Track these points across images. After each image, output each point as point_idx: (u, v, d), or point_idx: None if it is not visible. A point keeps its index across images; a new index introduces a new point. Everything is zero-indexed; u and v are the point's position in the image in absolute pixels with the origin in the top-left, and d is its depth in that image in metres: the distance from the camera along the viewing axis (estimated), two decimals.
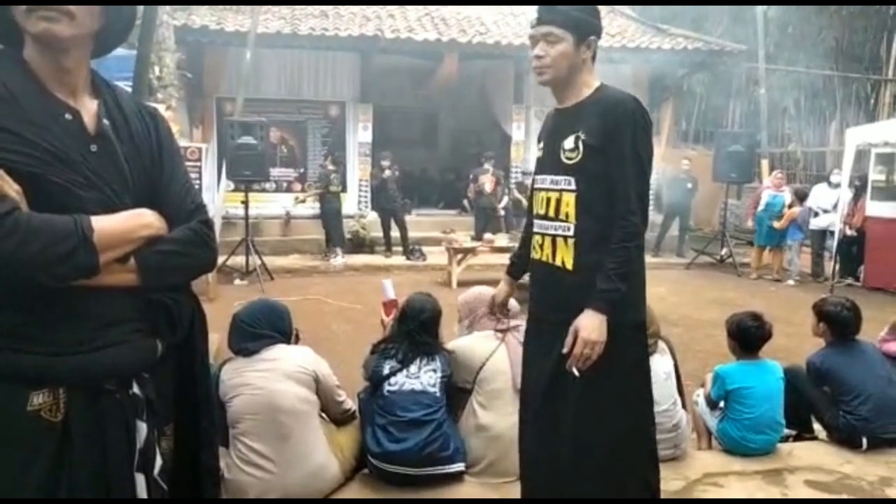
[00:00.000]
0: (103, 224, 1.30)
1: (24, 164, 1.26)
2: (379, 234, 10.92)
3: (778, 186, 10.04)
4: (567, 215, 2.20)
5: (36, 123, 1.30)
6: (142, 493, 1.38)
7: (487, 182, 11.44)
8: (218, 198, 9.99)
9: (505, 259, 9.19)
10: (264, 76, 11.58)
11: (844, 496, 3.06)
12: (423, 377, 3.02)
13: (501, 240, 9.64)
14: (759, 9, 11.86)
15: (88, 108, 1.40)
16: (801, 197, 9.87)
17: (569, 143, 2.20)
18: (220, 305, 6.37)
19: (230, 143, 9.30)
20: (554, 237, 2.24)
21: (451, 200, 13.89)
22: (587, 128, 2.15)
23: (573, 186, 2.18)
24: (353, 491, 2.93)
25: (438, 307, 3.25)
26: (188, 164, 8.32)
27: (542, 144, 2.41)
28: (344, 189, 10.77)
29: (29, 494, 1.26)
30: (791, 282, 9.40)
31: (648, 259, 10.71)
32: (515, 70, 12.59)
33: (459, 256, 9.04)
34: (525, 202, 11.87)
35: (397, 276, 9.57)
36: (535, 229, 2.36)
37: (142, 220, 1.38)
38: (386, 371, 3.02)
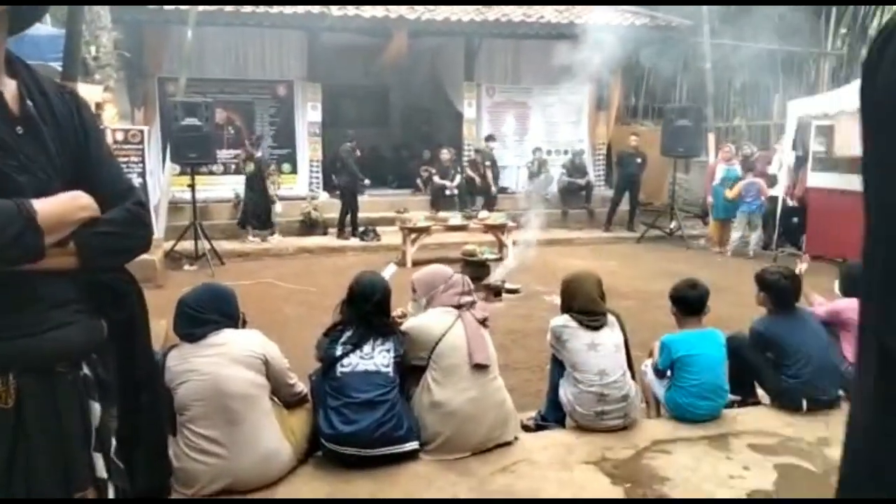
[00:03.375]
0: (44, 207, 1.28)
1: None
2: (331, 215, 10.79)
3: (727, 160, 10.24)
4: None
5: None
6: (101, 472, 1.39)
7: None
8: (163, 181, 9.72)
9: (459, 238, 9.25)
10: (208, 55, 11.25)
11: (786, 457, 3.17)
12: (376, 357, 3.01)
13: (455, 218, 9.64)
14: None
15: (9, 88, 1.35)
16: (749, 169, 10.10)
17: None
18: (169, 292, 6.21)
19: (174, 125, 9.03)
20: None
21: (404, 179, 13.81)
22: None
23: None
24: (306, 474, 2.91)
25: (388, 286, 3.23)
26: (130, 146, 8.07)
27: None
28: (294, 170, 10.60)
29: None
30: (751, 252, 9.59)
31: (601, 234, 10.85)
32: (466, 47, 12.53)
33: (414, 236, 9.02)
34: (478, 180, 12.05)
35: (352, 257, 9.51)
36: None
37: (79, 203, 1.36)
38: (338, 352, 3.00)
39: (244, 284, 7.15)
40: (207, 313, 2.75)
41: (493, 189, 12.06)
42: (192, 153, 8.96)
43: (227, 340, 2.72)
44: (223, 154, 11.48)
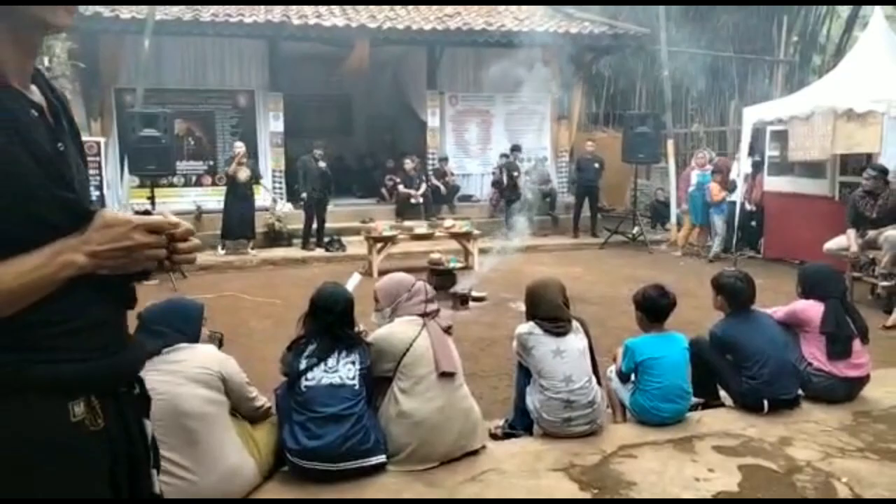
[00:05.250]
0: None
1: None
2: (295, 226, 10.67)
3: (702, 166, 10.42)
4: None
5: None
6: (157, 488, 1.39)
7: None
8: (122, 194, 9.54)
9: (425, 246, 9.23)
10: (166, 65, 11.08)
11: (749, 458, 3.22)
12: (341, 370, 2.98)
13: (420, 227, 9.63)
14: None
15: (37, 97, 1.23)
16: (718, 171, 10.27)
17: None
18: None
19: (132, 137, 8.87)
20: None
21: (369, 189, 13.75)
22: None
23: None
24: (271, 490, 2.86)
25: (351, 296, 3.20)
26: (87, 159, 7.90)
27: None
28: (256, 181, 10.45)
29: None
30: (711, 255, 9.72)
31: (566, 240, 10.93)
32: (428, 56, 12.56)
33: (379, 246, 8.98)
34: (443, 189, 12.06)
35: (317, 268, 9.42)
36: None
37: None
38: (302, 366, 2.96)
39: (208, 298, 7.02)
40: (163, 328, 2.68)
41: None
42: (151, 165, 8.80)
43: (182, 358, 2.65)
44: (183, 165, 11.31)
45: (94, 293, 1.21)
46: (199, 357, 2.70)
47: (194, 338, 2.79)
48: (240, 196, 9.92)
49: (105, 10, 9.94)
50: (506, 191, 11.76)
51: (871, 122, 7.42)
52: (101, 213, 1.18)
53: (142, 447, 1.34)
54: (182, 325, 2.73)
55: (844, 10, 16.04)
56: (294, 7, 11.50)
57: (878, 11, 9.05)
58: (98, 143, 8.17)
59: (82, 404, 1.20)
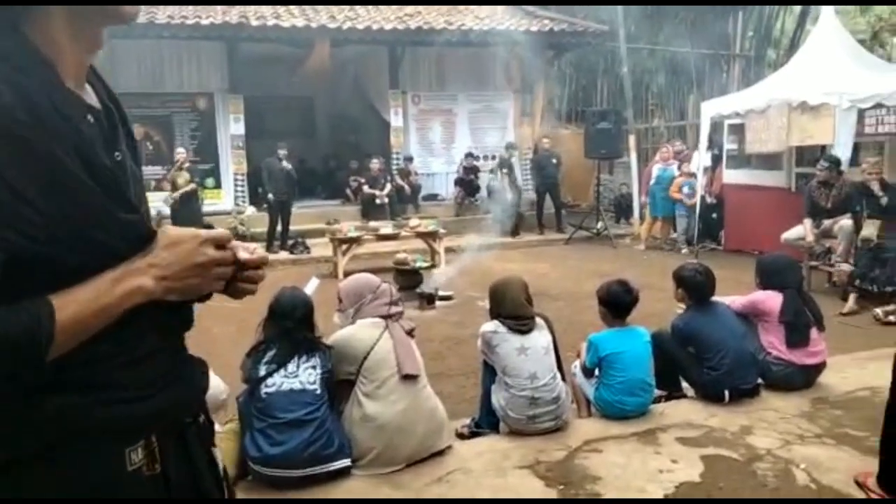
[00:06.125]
0: None
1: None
2: (260, 229, 10.54)
3: (666, 160, 10.55)
4: None
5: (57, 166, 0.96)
6: None
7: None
8: None
9: (391, 247, 9.19)
10: (121, 68, 10.84)
11: (711, 448, 3.27)
12: (301, 375, 2.94)
13: (386, 228, 9.59)
14: None
15: (93, 99, 1.10)
16: (684, 161, 10.40)
17: None
18: None
19: None
20: None
21: (333, 190, 13.65)
22: None
23: None
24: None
25: (310, 301, 3.17)
26: None
27: None
28: (218, 185, 10.30)
29: None
30: (685, 250, 9.83)
31: (532, 237, 10.93)
32: (390, 56, 12.51)
33: (345, 247, 8.91)
34: (408, 188, 12.02)
35: (281, 271, 9.31)
36: None
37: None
38: (262, 372, 2.91)
39: None
40: None
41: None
42: None
43: None
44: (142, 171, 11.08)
45: (149, 319, 1.06)
46: None
47: None
48: (183, 201, 9.84)
49: None
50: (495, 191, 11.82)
51: (824, 114, 7.60)
52: (165, 230, 1.05)
53: (210, 481, 1.21)
54: None
55: (797, 5, 16.41)
56: (252, 8, 11.35)
57: (826, 6, 9.28)
58: None
59: (140, 450, 1.07)
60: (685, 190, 9.89)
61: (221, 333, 6.35)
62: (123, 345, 1.03)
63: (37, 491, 0.99)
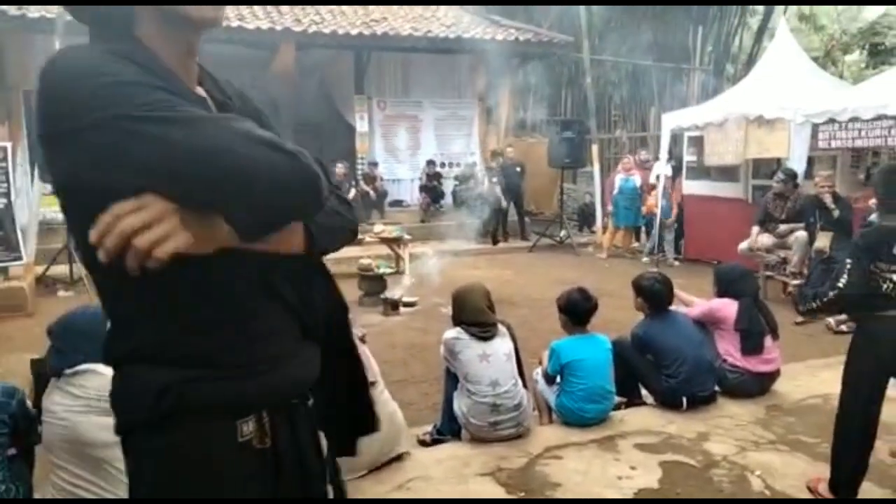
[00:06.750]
0: None
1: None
2: None
3: (628, 170, 10.67)
4: None
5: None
6: None
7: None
8: (33, 201, 9.04)
9: (355, 252, 9.14)
10: None
11: (669, 455, 3.32)
12: None
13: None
14: (582, 4, 12.62)
15: (205, 98, 1.19)
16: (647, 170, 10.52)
17: None
18: (40, 321, 5.76)
19: None
20: None
21: None
22: None
23: None
24: None
25: None
26: None
27: None
28: None
29: None
30: (646, 259, 9.95)
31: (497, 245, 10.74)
32: (355, 60, 12.46)
33: None
34: (373, 194, 11.98)
35: None
36: None
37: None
38: None
39: None
40: (71, 343, 2.45)
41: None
42: None
43: (82, 382, 2.41)
44: None
45: (262, 294, 1.13)
46: (101, 382, 2.41)
47: (97, 352, 2.58)
48: None
49: (11, 9, 9.43)
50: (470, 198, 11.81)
51: (780, 129, 7.81)
52: None
53: (316, 462, 1.24)
54: (82, 341, 2.44)
55: (755, 22, 16.88)
56: None
57: (783, 23, 9.55)
58: (4, 149, 7.70)
59: (251, 422, 1.11)
60: (662, 203, 9.73)
61: None
62: (238, 320, 1.10)
63: (152, 455, 1.09)
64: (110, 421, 2.50)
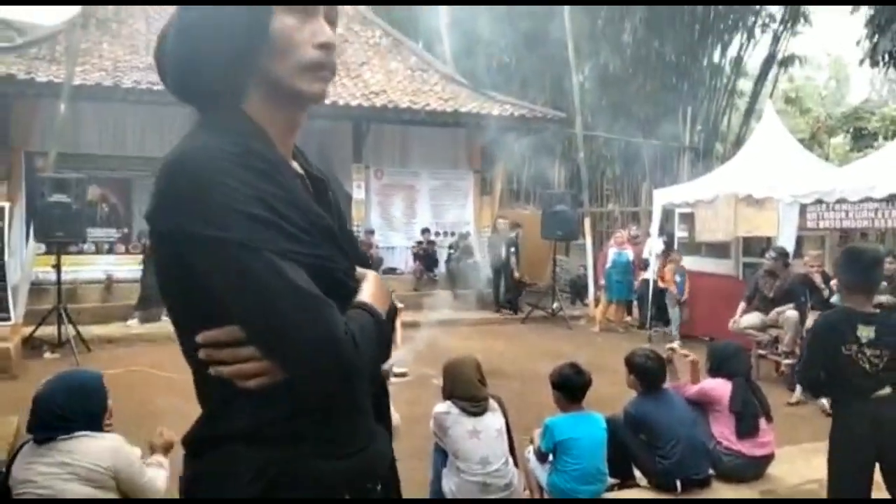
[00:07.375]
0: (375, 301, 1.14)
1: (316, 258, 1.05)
2: None
3: (621, 244, 10.78)
4: None
5: (304, 203, 1.09)
6: None
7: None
8: (25, 261, 9.04)
9: None
10: (84, 130, 10.79)
11: None
12: None
13: None
14: (576, 82, 13.05)
15: (303, 175, 1.21)
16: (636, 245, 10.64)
17: None
18: (26, 383, 5.67)
19: (41, 202, 8.49)
20: None
21: None
22: None
23: None
24: None
25: None
26: None
27: None
28: None
29: None
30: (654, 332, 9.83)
31: (489, 314, 10.90)
32: (354, 130, 12.75)
33: None
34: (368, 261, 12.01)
35: None
36: None
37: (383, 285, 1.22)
38: None
39: (113, 373, 6.63)
40: (59, 410, 2.41)
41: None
42: (58, 231, 8.39)
43: (74, 448, 2.39)
44: (96, 233, 10.87)
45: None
46: (91, 450, 2.42)
47: (97, 418, 2.53)
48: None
49: (20, 73, 9.67)
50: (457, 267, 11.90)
51: (769, 208, 7.96)
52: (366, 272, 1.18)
53: None
54: (82, 404, 2.43)
55: (742, 103, 17.44)
56: None
57: (769, 105, 9.87)
58: (2, 209, 7.76)
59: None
60: (678, 279, 9.50)
61: (167, 405, 6.11)
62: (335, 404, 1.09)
63: None
64: (95, 492, 2.43)
